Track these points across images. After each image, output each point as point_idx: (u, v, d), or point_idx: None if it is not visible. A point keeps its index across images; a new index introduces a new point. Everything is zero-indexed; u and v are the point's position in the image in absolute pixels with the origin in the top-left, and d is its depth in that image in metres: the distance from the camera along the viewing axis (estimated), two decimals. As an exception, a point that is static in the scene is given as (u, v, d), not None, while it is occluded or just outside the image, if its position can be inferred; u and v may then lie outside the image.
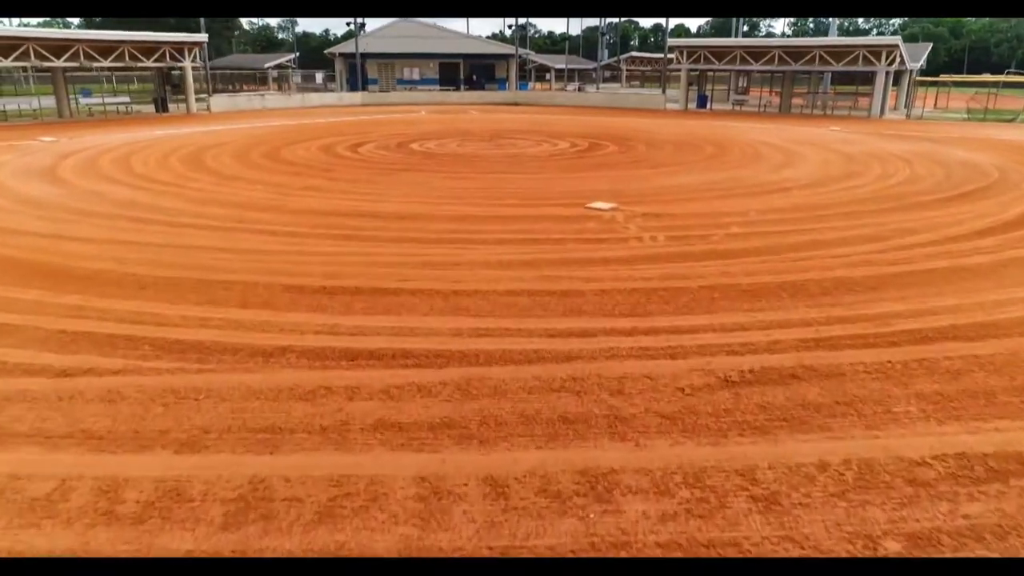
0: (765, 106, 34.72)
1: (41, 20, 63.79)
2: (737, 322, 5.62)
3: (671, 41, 35.58)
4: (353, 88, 41.59)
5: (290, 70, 51.15)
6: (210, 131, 22.87)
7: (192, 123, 26.34)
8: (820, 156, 16.63)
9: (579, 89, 50.88)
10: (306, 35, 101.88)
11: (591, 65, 68.22)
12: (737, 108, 35.32)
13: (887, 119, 29.72)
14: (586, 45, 75.72)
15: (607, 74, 67.47)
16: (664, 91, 36.47)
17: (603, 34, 63.81)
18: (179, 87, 31.52)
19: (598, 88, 47.01)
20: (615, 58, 65.01)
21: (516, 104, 40.36)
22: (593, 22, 78.63)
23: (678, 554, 2.93)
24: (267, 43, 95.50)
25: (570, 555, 2.92)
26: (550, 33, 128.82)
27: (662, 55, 74.29)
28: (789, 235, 8.65)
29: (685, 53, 34.10)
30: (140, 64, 28.96)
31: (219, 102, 32.60)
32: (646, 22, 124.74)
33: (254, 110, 33.46)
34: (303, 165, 14.80)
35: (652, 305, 6.02)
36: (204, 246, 7.98)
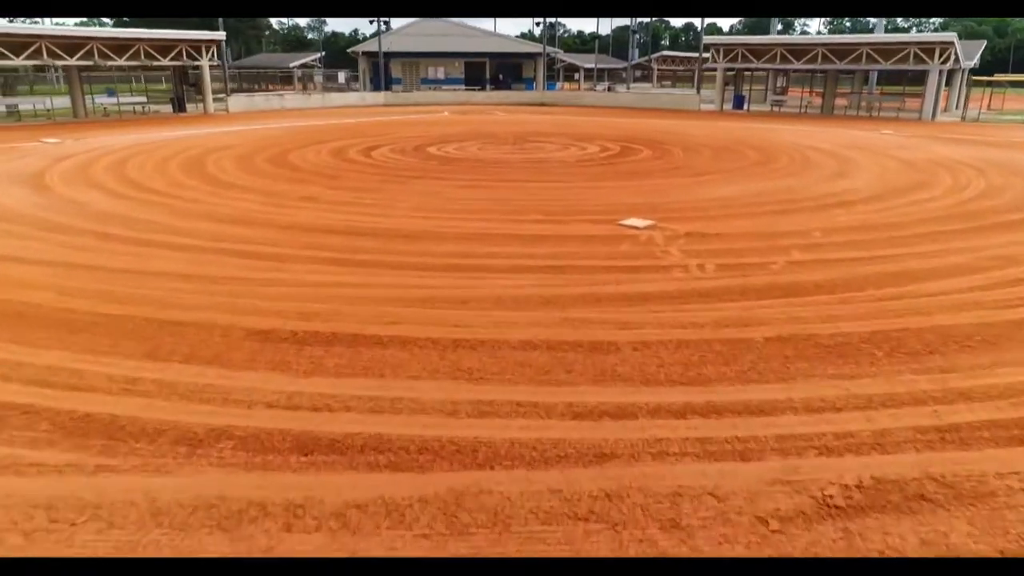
0: (806, 107, 32.92)
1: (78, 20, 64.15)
2: (824, 397, 4.24)
3: (706, 39, 33.93)
4: (376, 88, 40.60)
5: (312, 70, 50.46)
6: (223, 132, 21.91)
7: (207, 124, 25.46)
8: (877, 163, 15.04)
9: (608, 89, 49.36)
10: (335, 35, 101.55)
11: (621, 64, 66.70)
12: (776, 109, 33.58)
13: (940, 121, 27.80)
14: (616, 45, 74.14)
15: (637, 74, 65.84)
16: (698, 91, 34.82)
17: (634, 32, 62.16)
18: (197, 86, 30.70)
19: (628, 88, 45.46)
20: (646, 57, 63.29)
21: (543, 105, 39.04)
22: (624, 21, 76.98)
23: None
24: (296, 43, 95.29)
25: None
26: (579, 32, 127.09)
27: (695, 54, 72.54)
28: (865, 263, 7.21)
29: (721, 51, 32.46)
30: (156, 63, 28.18)
31: (237, 102, 31.80)
32: (677, 21, 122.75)
33: (273, 110, 32.59)
34: (308, 171, 13.65)
35: (708, 367, 4.67)
36: (168, 272, 6.79)
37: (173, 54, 28.52)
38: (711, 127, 24.68)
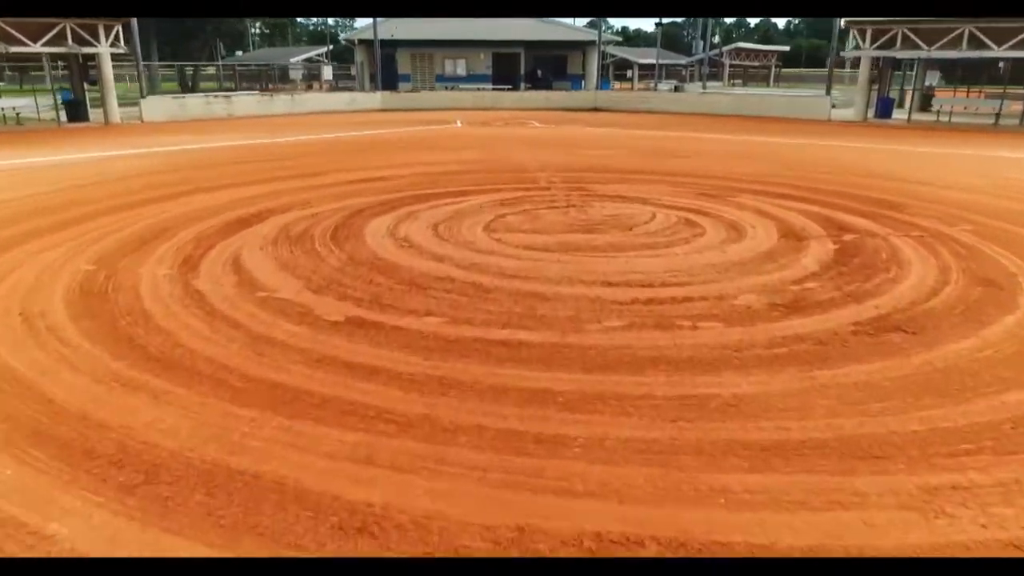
0: (998, 116, 22.02)
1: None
2: None
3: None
4: (376, 87, 30.75)
5: (319, 65, 41.03)
6: (25, 166, 12.29)
7: (72, 144, 15.95)
8: None
9: (675, 89, 38.91)
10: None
11: (683, 60, 56.21)
12: (943, 120, 22.74)
13: None
14: (664, 40, 63.46)
15: (703, 70, 55.03)
16: (828, 92, 24.09)
17: (699, 23, 51.37)
18: (100, 84, 21.19)
19: (705, 88, 34.81)
20: (716, 51, 52.46)
21: (596, 110, 28.78)
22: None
23: None
24: (321, 38, 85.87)
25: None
26: (623, 29, 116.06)
27: (771, 47, 61.49)
28: None
29: (869, 34, 21.81)
30: (24, 49, 18.74)
31: (157, 107, 22.19)
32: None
33: (212, 119, 22.94)
34: None
35: None
36: None
37: (50, 36, 19.04)
38: (917, 157, 14.18)
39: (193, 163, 12.80)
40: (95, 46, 19.95)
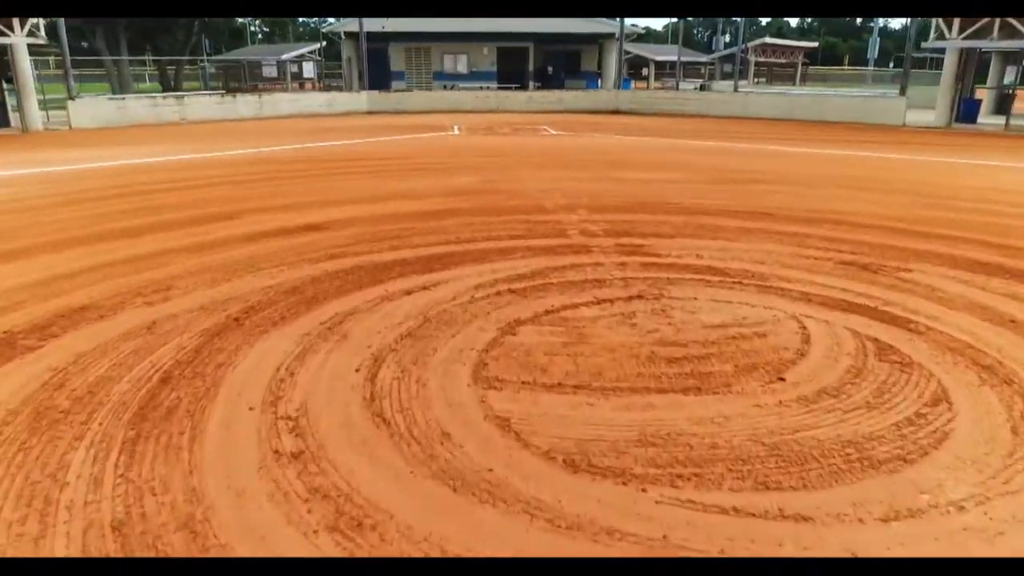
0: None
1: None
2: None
3: None
4: (363, 86, 26.86)
5: (290, 62, 37.17)
6: None
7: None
8: None
9: (701, 88, 34.97)
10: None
11: (703, 58, 52.37)
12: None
13: None
14: (677, 37, 59.66)
15: (725, 68, 51.12)
16: (903, 92, 20.04)
17: (716, 21, 47.41)
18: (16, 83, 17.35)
19: (737, 88, 30.79)
20: (742, 47, 48.43)
21: (618, 112, 24.86)
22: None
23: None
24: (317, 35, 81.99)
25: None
26: (633, 26, 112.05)
27: (798, 43, 57.42)
28: None
29: (957, 22, 17.82)
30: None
31: (90, 111, 18.33)
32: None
33: (160, 123, 19.12)
34: None
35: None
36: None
37: (-56, 22, 15.25)
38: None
39: (59, 195, 8.95)
40: (7, 36, 16.13)
